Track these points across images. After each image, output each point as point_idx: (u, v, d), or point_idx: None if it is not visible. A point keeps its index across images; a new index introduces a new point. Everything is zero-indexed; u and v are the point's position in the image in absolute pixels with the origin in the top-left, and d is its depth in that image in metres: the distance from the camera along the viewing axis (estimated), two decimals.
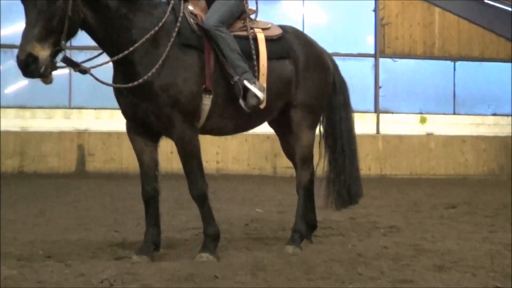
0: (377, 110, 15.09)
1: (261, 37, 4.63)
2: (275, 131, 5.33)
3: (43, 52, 3.71)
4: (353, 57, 15.14)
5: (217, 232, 4.40)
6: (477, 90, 15.66)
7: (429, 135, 15.20)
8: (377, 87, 15.10)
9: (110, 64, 4.26)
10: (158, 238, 4.46)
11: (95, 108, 13.72)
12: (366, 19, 15.27)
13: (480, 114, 15.61)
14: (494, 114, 15.71)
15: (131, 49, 4.07)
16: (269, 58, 4.61)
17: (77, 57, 13.56)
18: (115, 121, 13.28)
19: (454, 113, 15.52)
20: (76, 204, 7.96)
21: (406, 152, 14.76)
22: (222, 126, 4.64)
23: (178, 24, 4.24)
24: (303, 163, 4.99)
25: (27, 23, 3.75)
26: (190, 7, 4.45)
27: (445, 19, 15.52)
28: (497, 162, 15.16)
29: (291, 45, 4.85)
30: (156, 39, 4.17)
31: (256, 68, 4.53)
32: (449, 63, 15.56)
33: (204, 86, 4.29)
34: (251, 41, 4.56)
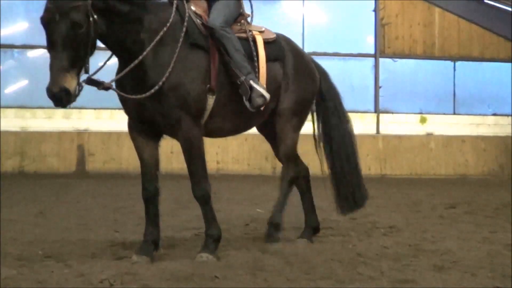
0: (377, 110, 15.08)
1: (259, 39, 4.73)
2: (264, 135, 5.37)
3: (73, 82, 3.73)
4: (353, 57, 15.13)
5: (219, 233, 4.42)
6: (477, 90, 15.65)
7: (429, 135, 15.19)
8: (377, 87, 15.10)
9: (112, 65, 4.27)
10: (158, 237, 4.46)
11: (95, 108, 13.71)
12: (366, 19, 15.26)
13: (480, 114, 15.60)
14: (494, 114, 15.70)
15: (144, 53, 4.05)
16: (266, 60, 4.70)
17: None
18: (115, 121, 13.28)
19: (454, 113, 15.51)
20: (76, 204, 7.96)
21: (406, 152, 14.75)
22: (222, 127, 4.66)
23: (185, 24, 4.25)
24: (288, 160, 5.08)
25: (53, 51, 3.73)
26: (193, 7, 4.47)
27: (445, 19, 15.51)
28: (497, 162, 15.15)
29: (284, 49, 4.98)
30: (164, 40, 4.17)
31: (256, 69, 4.58)
32: (449, 63, 15.55)
33: (208, 86, 4.31)
34: (251, 43, 4.62)
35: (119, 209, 7.34)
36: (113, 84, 4.13)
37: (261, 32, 4.84)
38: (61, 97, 3.68)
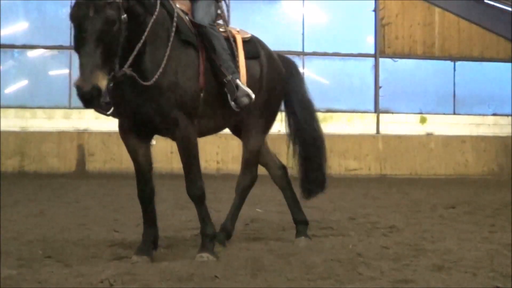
0: (377, 110, 15.08)
1: (238, 38, 4.75)
2: (237, 135, 5.33)
3: (103, 82, 3.60)
4: (353, 57, 15.14)
5: (214, 232, 4.43)
6: (477, 90, 15.66)
7: (429, 135, 15.20)
8: (377, 87, 15.10)
9: None
10: (157, 237, 4.47)
11: None
12: (366, 19, 15.27)
13: (480, 114, 15.61)
14: (494, 114, 15.70)
15: (140, 44, 3.96)
16: (245, 58, 4.71)
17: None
18: (115, 121, 13.19)
19: (454, 113, 15.51)
20: (76, 204, 7.95)
21: (406, 152, 14.76)
22: (206, 125, 4.61)
23: (175, 19, 4.19)
24: (246, 167, 5.06)
25: (85, 48, 3.59)
26: (178, 5, 4.44)
27: (445, 19, 15.52)
28: (497, 162, 15.16)
29: (258, 48, 4.99)
30: (156, 37, 4.13)
31: (238, 68, 4.58)
32: (449, 63, 15.56)
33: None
34: (232, 43, 4.63)
35: (119, 209, 7.33)
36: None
37: (237, 31, 4.85)
38: (92, 96, 3.54)
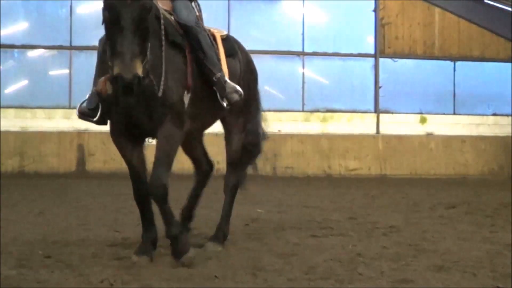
0: (377, 110, 15.08)
1: (217, 36, 4.75)
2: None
3: (141, 71, 3.55)
4: (353, 57, 15.13)
5: (180, 230, 4.25)
6: (477, 90, 15.65)
7: (429, 135, 15.19)
8: (377, 87, 15.09)
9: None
10: (156, 237, 4.47)
11: None
12: (366, 19, 15.26)
13: (480, 114, 15.60)
14: (494, 114, 15.70)
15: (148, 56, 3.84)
16: (225, 56, 4.72)
17: (78, 57, 13.69)
18: None
19: (454, 113, 15.51)
20: (76, 204, 7.95)
21: (406, 152, 14.75)
22: (193, 124, 4.57)
23: (162, 21, 4.11)
24: (232, 165, 5.14)
25: (123, 36, 3.53)
26: (160, 5, 4.37)
27: (445, 19, 15.51)
28: (497, 162, 15.16)
29: (235, 46, 5.01)
30: (152, 39, 4.07)
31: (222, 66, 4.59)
32: (449, 63, 15.55)
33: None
34: (213, 41, 4.63)
35: (119, 209, 7.33)
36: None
37: (215, 29, 4.86)
38: (133, 85, 3.48)
